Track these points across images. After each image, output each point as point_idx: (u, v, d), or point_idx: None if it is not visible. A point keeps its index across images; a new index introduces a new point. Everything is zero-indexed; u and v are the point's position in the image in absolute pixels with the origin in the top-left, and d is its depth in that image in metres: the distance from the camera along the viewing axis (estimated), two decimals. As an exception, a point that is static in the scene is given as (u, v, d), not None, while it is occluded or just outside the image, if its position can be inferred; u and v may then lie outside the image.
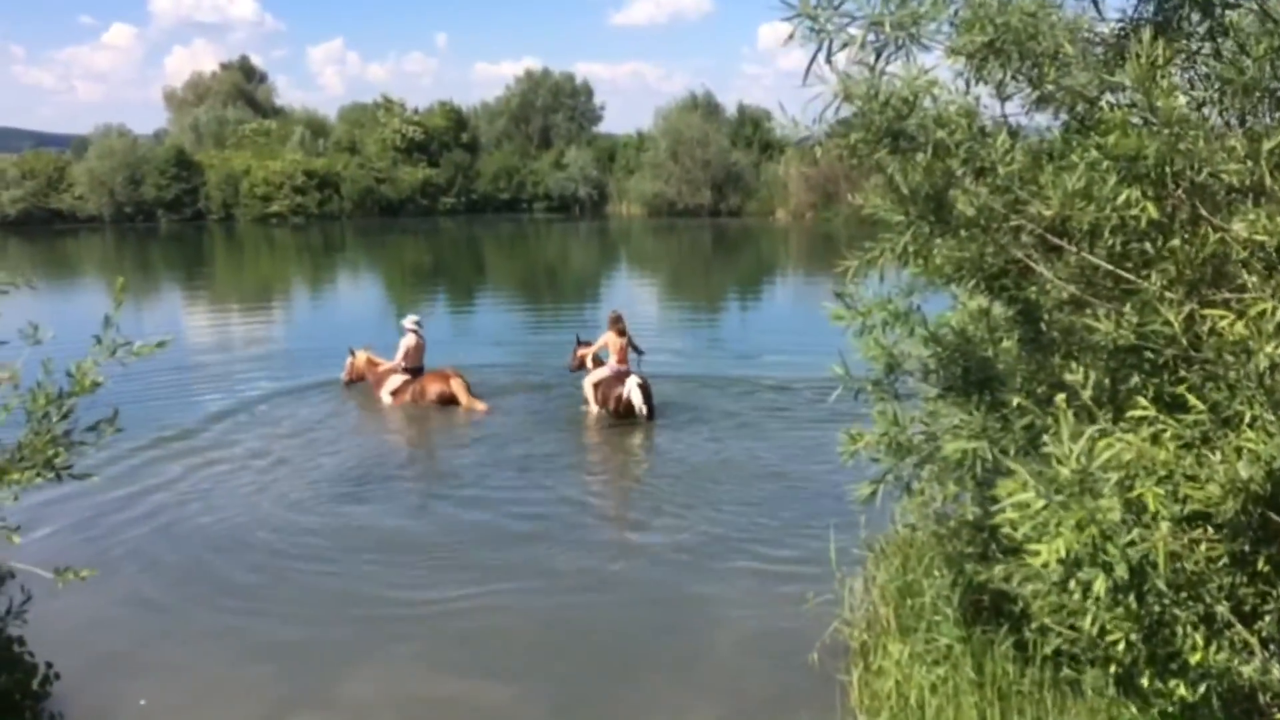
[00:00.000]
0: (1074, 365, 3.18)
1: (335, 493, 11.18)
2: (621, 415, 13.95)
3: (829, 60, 3.28)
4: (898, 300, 4.51)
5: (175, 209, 63.00)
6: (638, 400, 13.84)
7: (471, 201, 69.94)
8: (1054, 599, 3.06)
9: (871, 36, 3.28)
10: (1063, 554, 2.55)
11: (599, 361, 14.66)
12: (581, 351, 14.92)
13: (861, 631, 6.86)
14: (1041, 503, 2.58)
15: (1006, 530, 2.71)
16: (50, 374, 3.71)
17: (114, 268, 44.26)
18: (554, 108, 76.59)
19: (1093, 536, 2.58)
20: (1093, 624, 2.93)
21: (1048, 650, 5.26)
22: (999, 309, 4.29)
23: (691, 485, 11.30)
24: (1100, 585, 2.70)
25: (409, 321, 15.76)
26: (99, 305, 30.65)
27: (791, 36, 3.24)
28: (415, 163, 68.71)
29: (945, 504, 5.66)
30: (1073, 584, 2.78)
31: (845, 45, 3.27)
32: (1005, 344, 4.28)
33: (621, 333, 14.48)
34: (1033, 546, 2.61)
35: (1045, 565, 2.59)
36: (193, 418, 14.57)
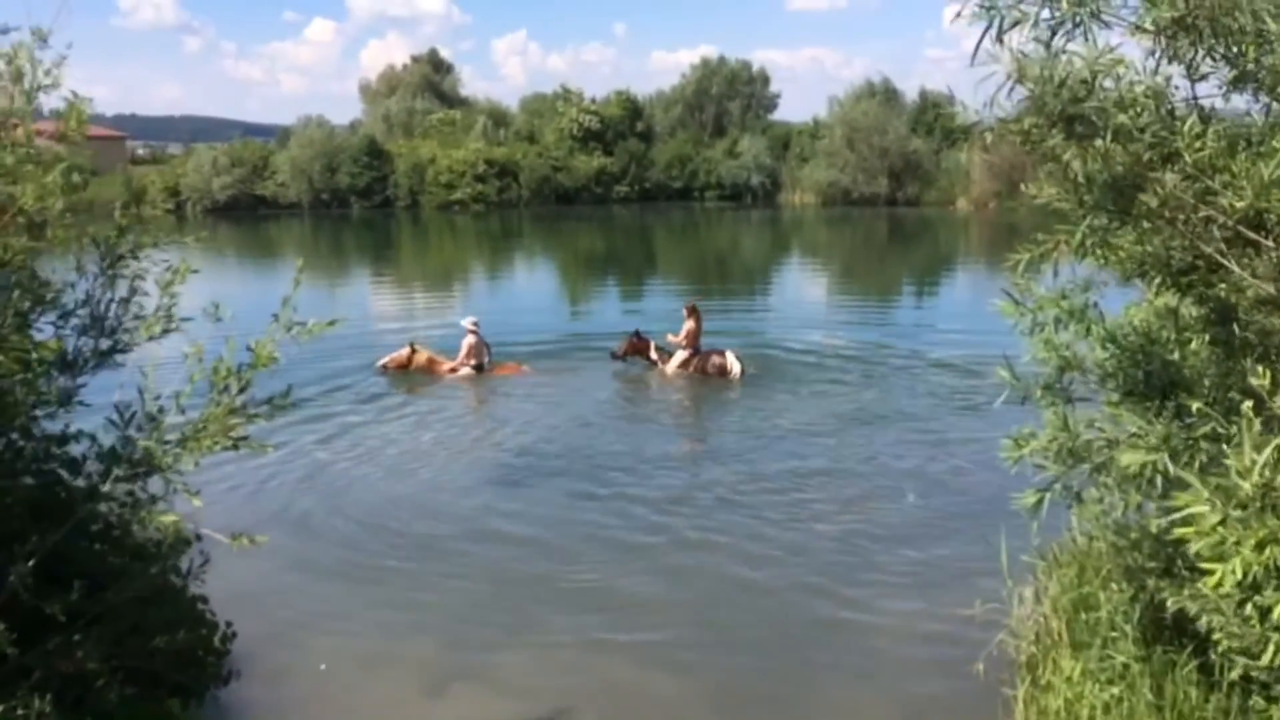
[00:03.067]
0: (1260, 370, 2.88)
1: (498, 474, 11.52)
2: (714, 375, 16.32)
3: (1000, 39, 3.09)
4: (1073, 296, 4.22)
5: (366, 196, 66.13)
6: (735, 365, 16.36)
7: (645, 190, 70.50)
8: (1234, 628, 2.81)
9: (1046, 13, 3.07)
10: (1240, 576, 2.33)
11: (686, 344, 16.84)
12: (640, 344, 17.04)
13: (1030, 644, 6.56)
14: (1218, 518, 2.35)
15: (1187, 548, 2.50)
16: (233, 350, 3.97)
17: (311, 251, 47.02)
18: (729, 95, 76.24)
19: (1275, 557, 2.34)
20: (1275, 655, 2.67)
21: (1234, 675, 4.88)
22: (1188, 308, 3.97)
23: (848, 481, 11.10)
24: (1282, 611, 2.45)
25: (468, 322, 16.66)
26: (300, 288, 32.73)
27: (960, 14, 3.08)
28: (591, 151, 69.79)
29: (1126, 514, 5.33)
30: (1250, 609, 2.54)
31: (1017, 23, 3.07)
32: (1194, 346, 3.95)
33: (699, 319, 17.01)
34: (1208, 566, 2.39)
35: (1219, 587, 2.37)
36: (367, 393, 15.39)
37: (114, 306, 4.17)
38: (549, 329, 21.78)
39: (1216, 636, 3.10)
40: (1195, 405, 3.39)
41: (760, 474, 11.55)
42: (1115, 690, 5.52)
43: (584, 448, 12.71)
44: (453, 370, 16.21)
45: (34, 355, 3.82)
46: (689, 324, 16.94)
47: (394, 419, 14.01)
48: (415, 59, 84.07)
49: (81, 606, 3.59)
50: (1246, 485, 2.37)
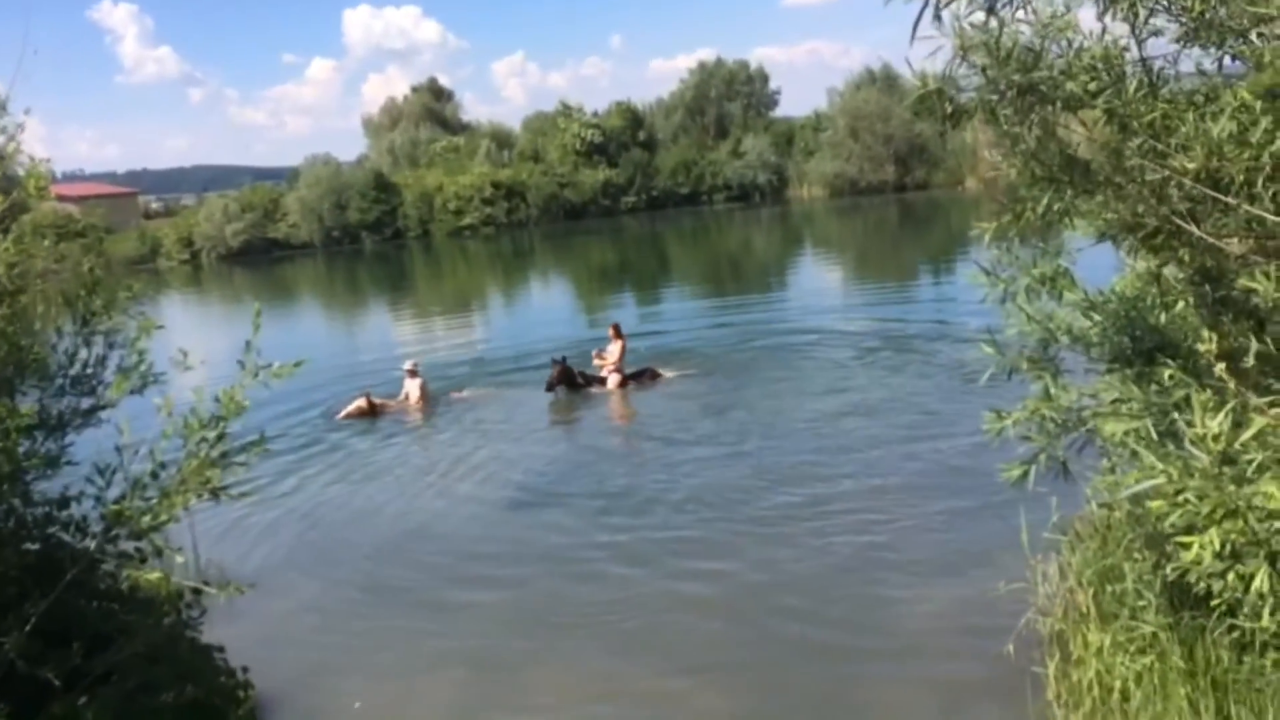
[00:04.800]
0: (1206, 335, 2.81)
1: (514, 498, 11.49)
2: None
3: (938, 15, 3.03)
4: (1043, 263, 4.14)
5: (377, 230, 66.52)
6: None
7: (652, 198, 70.55)
8: (1228, 593, 2.73)
9: None
10: (1218, 547, 2.26)
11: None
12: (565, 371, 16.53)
13: (1058, 620, 6.47)
14: (1174, 489, 2.28)
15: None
16: (201, 400, 3.97)
17: (326, 289, 47.44)
18: (729, 97, 76.23)
19: (1249, 526, 2.27)
20: (1272, 617, 2.60)
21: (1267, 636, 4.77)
22: (1171, 271, 3.89)
23: (865, 466, 11.05)
24: (1263, 579, 2.38)
25: (409, 365, 16.94)
26: (317, 327, 33.20)
27: None
28: (595, 165, 69.93)
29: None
30: (1232, 578, 2.46)
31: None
32: (1179, 309, 3.87)
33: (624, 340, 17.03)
34: (1184, 540, 2.32)
35: (1198, 561, 2.30)
36: (367, 429, 15.47)
37: (91, 365, 4.20)
38: (567, 339, 21.95)
39: (1214, 602, 3.03)
40: (1168, 372, 3.31)
41: (781, 466, 11.48)
42: (1146, 660, 5.43)
43: (587, 466, 12.63)
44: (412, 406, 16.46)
45: (9, 423, 3.83)
46: (616, 344, 16.80)
47: (392, 452, 14.04)
48: (415, 89, 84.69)
49: (86, 667, 3.61)
50: (1202, 455, 2.30)
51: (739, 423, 13.76)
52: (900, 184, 64.06)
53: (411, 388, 16.47)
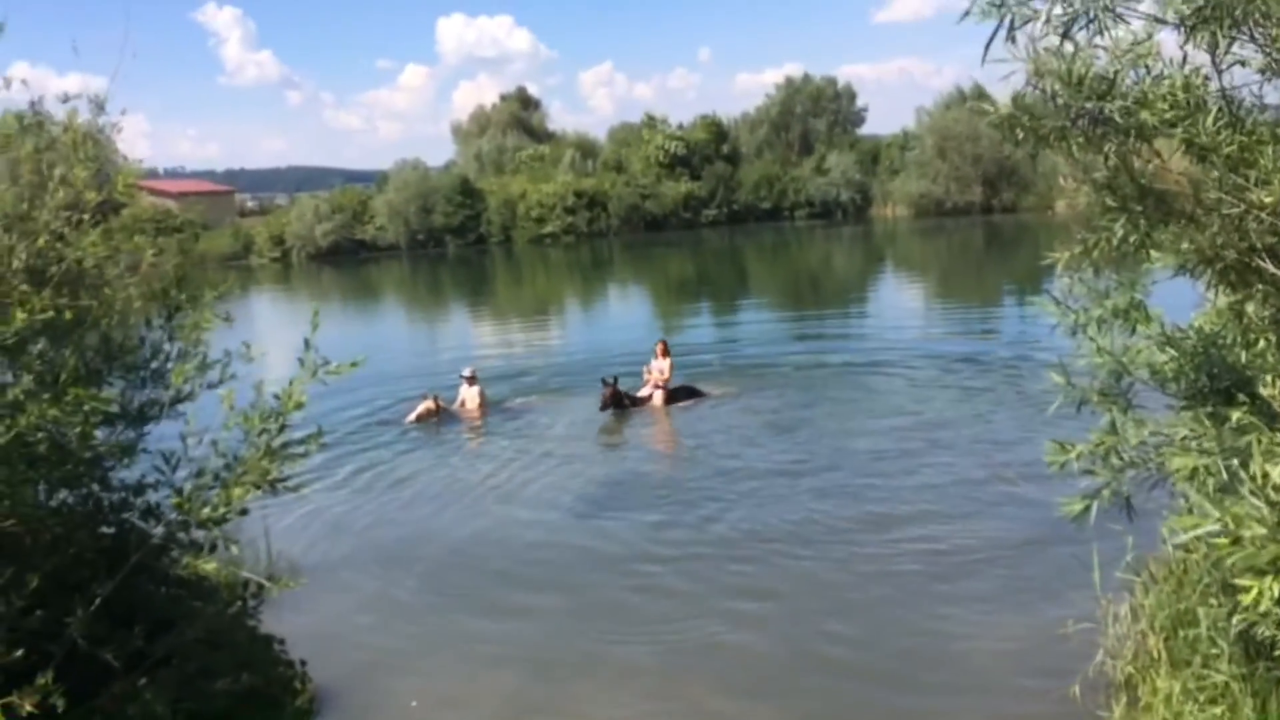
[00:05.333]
0: (1270, 379, 2.69)
1: (573, 507, 11.53)
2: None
3: (1011, 37, 2.96)
4: (1118, 295, 4.01)
5: (461, 234, 67.51)
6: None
7: (733, 212, 70.44)
8: (1292, 644, 2.61)
9: (1059, 9, 2.93)
10: (1277, 595, 2.17)
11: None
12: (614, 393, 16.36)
13: (1127, 663, 6.27)
14: (1229, 537, 2.19)
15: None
16: (261, 395, 4.09)
17: (410, 290, 48.38)
18: (815, 113, 75.83)
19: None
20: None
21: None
22: (1255, 308, 3.73)
23: (936, 494, 10.84)
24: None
25: (467, 372, 17.00)
26: (399, 327, 33.97)
27: (968, 13, 2.95)
28: (678, 177, 70.09)
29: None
30: (1292, 630, 2.36)
31: (1027, 21, 2.93)
32: (1260, 347, 3.71)
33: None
34: (1244, 582, 2.23)
35: (1257, 604, 2.21)
36: (450, 427, 15.76)
37: (173, 360, 4.36)
38: (641, 351, 22.09)
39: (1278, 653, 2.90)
40: (1236, 415, 3.18)
41: (846, 488, 11.34)
42: (1216, 710, 5.25)
43: (645, 479, 12.59)
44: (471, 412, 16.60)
45: (86, 408, 3.98)
46: (665, 361, 16.81)
47: (455, 457, 14.20)
48: (504, 98, 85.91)
49: (148, 650, 3.74)
50: (1260, 503, 2.21)
51: (804, 441, 13.63)
52: (987, 206, 62.94)
53: (469, 395, 16.60)
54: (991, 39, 2.99)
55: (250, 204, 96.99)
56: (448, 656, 7.94)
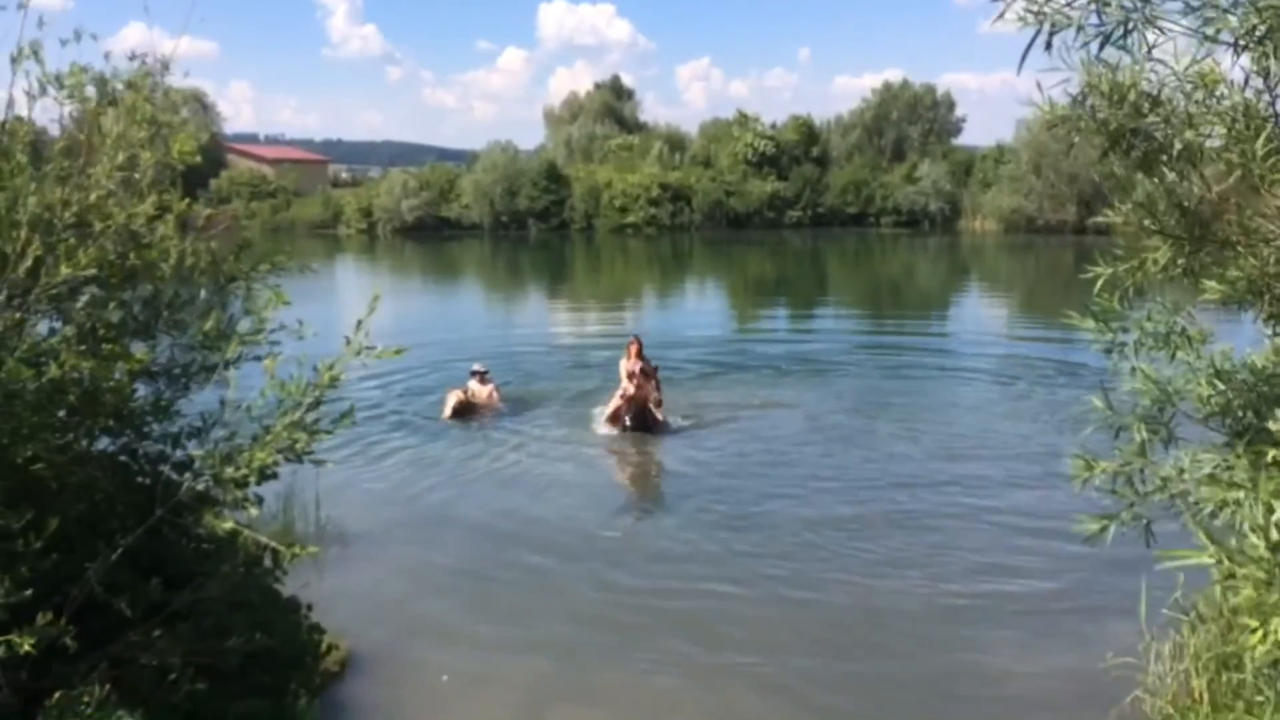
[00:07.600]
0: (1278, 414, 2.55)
1: (617, 501, 11.60)
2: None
3: (1048, 46, 2.83)
4: (1158, 318, 3.84)
5: (544, 218, 68.03)
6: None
7: (817, 215, 69.70)
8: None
9: (1095, 19, 2.79)
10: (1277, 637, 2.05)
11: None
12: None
13: (1166, 701, 6.09)
14: (1237, 575, 2.08)
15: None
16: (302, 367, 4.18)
17: (489, 271, 48.97)
18: (910, 120, 74.50)
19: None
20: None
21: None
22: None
23: (981, 512, 10.71)
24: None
25: (478, 366, 16.73)
26: (476, 305, 34.46)
27: (1002, 15, 2.82)
28: (765, 176, 69.58)
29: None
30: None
31: (1063, 29, 2.80)
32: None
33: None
34: (1247, 622, 2.11)
35: (1254, 649, 2.10)
36: (518, 405, 15.95)
37: (225, 325, 4.46)
38: (712, 345, 22.25)
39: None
40: (1271, 453, 3.03)
41: (896, 500, 11.26)
42: (1255, 756, 5.06)
43: (695, 479, 12.47)
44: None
45: (121, 364, 4.10)
46: (636, 363, 14.51)
47: (541, 438, 14.29)
48: (598, 85, 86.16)
49: (164, 602, 3.84)
50: (1259, 542, 2.09)
51: (862, 449, 13.50)
52: (1080, 225, 61.25)
53: (479, 392, 16.25)
54: (1029, 47, 2.88)
55: (344, 175, 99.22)
56: (481, 634, 8.04)
